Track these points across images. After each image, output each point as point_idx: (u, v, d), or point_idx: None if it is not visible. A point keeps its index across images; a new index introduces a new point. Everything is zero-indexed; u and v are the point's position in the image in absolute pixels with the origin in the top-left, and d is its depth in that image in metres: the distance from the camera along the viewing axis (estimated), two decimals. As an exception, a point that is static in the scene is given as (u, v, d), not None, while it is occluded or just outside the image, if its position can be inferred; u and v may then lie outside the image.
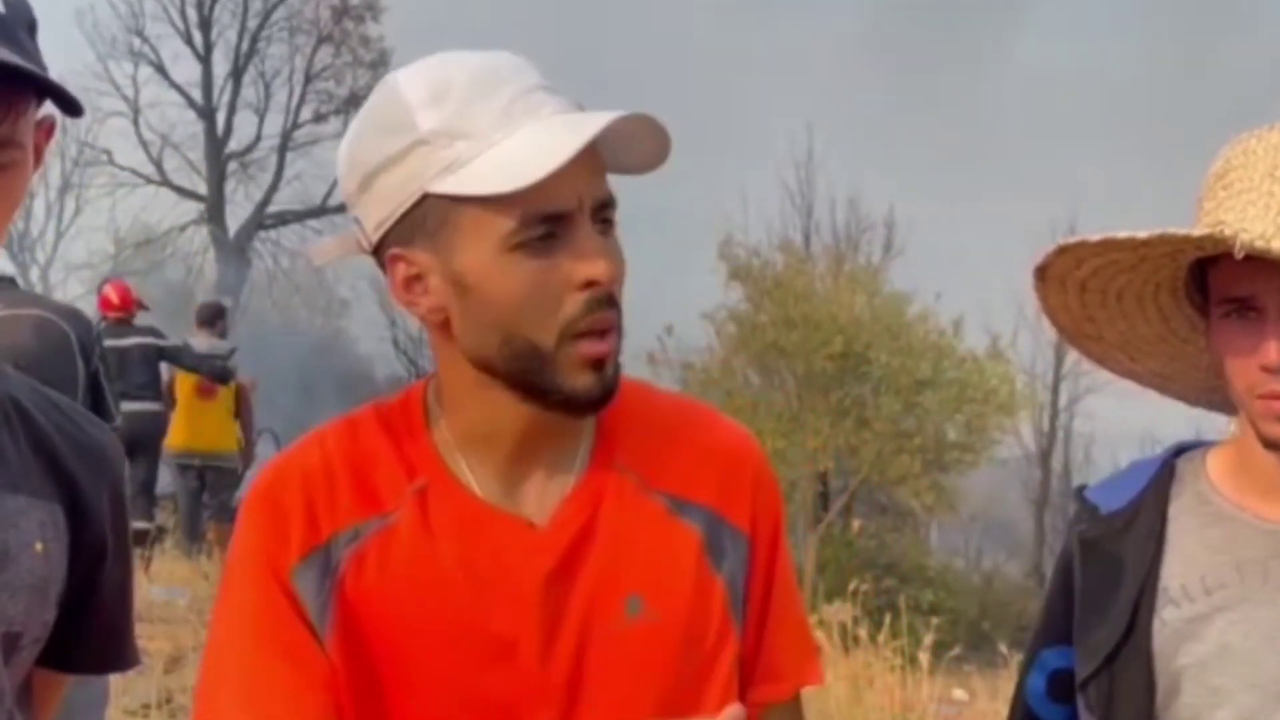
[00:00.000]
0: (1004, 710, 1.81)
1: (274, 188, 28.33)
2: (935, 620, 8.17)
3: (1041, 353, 24.20)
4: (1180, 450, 1.68)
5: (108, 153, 27.78)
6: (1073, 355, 19.86)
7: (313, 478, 1.40)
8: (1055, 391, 25.60)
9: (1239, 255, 1.44)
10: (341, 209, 6.86)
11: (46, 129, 1.34)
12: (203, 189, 28.23)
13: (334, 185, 22.78)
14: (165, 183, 28.24)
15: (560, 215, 1.32)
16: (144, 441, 8.93)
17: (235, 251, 27.56)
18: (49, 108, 1.32)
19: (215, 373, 10.00)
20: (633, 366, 1.42)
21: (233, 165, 28.42)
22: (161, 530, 10.52)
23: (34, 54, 1.29)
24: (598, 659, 1.39)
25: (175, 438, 10.11)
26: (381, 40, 27.99)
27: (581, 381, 1.35)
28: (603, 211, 1.36)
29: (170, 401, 10.05)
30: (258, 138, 28.38)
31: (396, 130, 1.34)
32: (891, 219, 22.09)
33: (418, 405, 1.45)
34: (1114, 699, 1.58)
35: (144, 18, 27.61)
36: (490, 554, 1.38)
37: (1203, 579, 1.57)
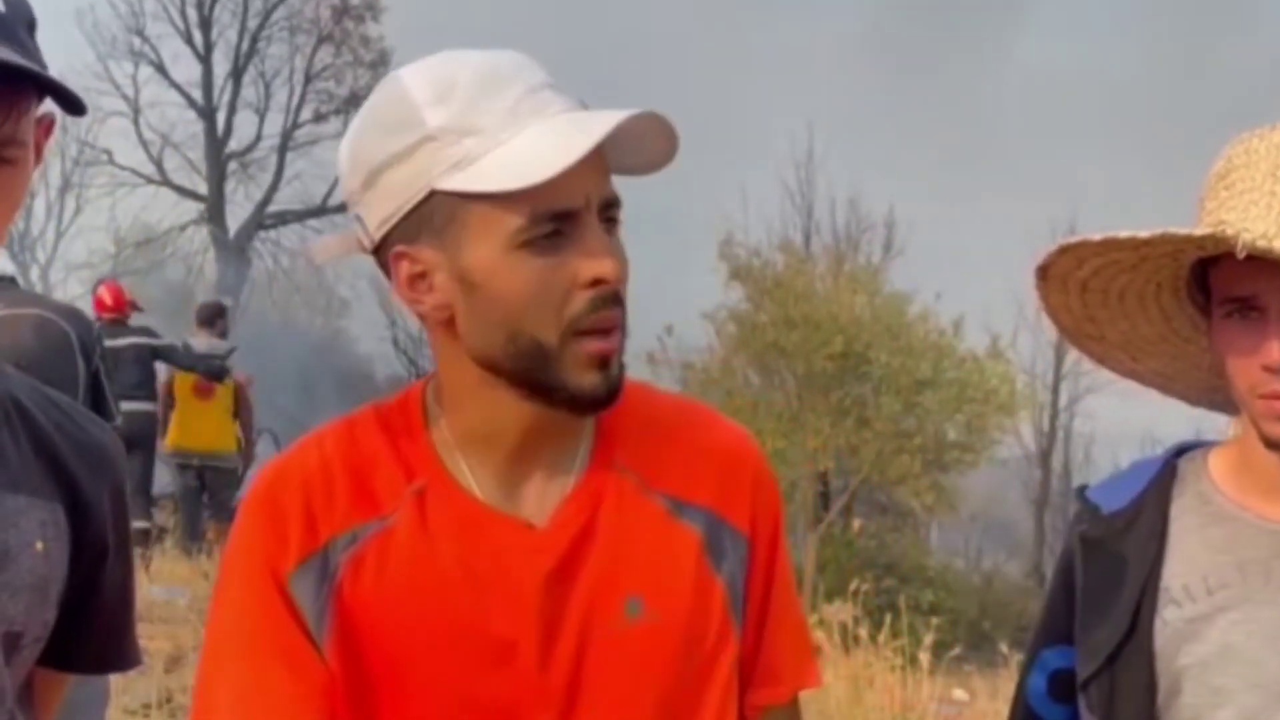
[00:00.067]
0: (1004, 710, 1.81)
1: (274, 187, 28.29)
2: (935, 620, 8.18)
3: (1042, 353, 24.20)
4: (1181, 450, 1.68)
5: (108, 152, 27.79)
6: (1073, 355, 19.87)
7: (311, 481, 1.39)
8: (1055, 391, 25.54)
9: (1241, 255, 1.44)
10: (342, 209, 6.83)
11: (46, 126, 1.34)
12: (203, 189, 28.19)
13: (334, 185, 22.83)
14: (165, 182, 28.21)
15: (568, 213, 1.32)
16: (138, 441, 8.92)
17: (235, 251, 27.53)
18: (48, 105, 1.32)
19: (210, 371, 9.99)
20: (633, 366, 1.41)
21: (233, 165, 28.38)
22: (162, 530, 10.53)
23: (34, 52, 1.29)
24: (597, 660, 1.38)
25: (173, 438, 10.12)
26: (381, 40, 27.98)
27: (587, 380, 1.35)
28: (609, 210, 1.36)
29: (170, 402, 10.05)
30: (258, 137, 28.37)
31: (403, 127, 1.33)
32: (891, 219, 22.06)
33: (417, 405, 1.44)
34: (1115, 699, 1.58)
35: (144, 17, 27.62)
36: (489, 555, 1.38)
37: (1205, 579, 1.57)
